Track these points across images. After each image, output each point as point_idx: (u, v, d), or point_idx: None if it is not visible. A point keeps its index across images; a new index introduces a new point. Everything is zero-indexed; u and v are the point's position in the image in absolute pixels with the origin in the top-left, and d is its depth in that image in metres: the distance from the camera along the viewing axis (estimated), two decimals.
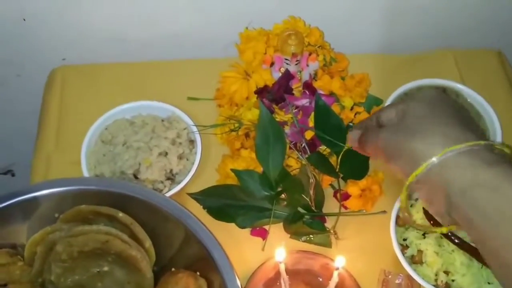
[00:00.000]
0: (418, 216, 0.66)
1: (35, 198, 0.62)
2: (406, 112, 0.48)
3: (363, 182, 0.70)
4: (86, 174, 0.70)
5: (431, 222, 0.65)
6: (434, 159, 0.42)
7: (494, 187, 0.39)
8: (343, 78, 0.75)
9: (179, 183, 0.70)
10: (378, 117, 0.53)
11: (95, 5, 0.82)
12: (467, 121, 0.46)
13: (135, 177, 0.69)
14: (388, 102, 0.75)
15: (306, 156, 0.68)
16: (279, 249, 0.62)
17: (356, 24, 0.87)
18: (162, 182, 0.70)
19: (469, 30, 0.91)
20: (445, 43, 0.89)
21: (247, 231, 0.71)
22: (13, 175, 1.23)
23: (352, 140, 0.56)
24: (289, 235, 0.70)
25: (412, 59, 0.88)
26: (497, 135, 0.73)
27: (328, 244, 0.69)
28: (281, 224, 0.70)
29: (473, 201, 0.40)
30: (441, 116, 0.45)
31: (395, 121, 0.49)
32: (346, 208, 0.71)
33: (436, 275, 0.63)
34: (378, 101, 0.78)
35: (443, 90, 0.78)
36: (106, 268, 0.61)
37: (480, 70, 0.87)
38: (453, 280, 0.62)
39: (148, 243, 0.62)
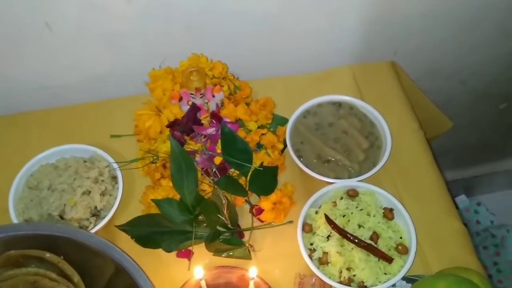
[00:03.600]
0: (321, 222, 0.74)
1: None
2: None
3: (273, 196, 0.77)
4: (15, 220, 0.74)
5: (332, 225, 0.73)
6: None
7: None
8: (248, 104, 0.83)
9: (104, 218, 0.75)
10: None
11: (16, 58, 0.86)
12: None
13: (61, 217, 0.74)
14: (291, 121, 0.83)
15: (216, 180, 0.75)
16: (197, 267, 0.68)
17: (257, 50, 0.94)
18: (87, 219, 0.75)
19: (365, 46, 0.99)
20: (345, 60, 0.98)
21: (173, 254, 0.77)
22: None
23: None
24: (212, 253, 0.76)
25: (314, 78, 0.96)
26: (387, 139, 0.82)
27: (247, 256, 0.76)
28: (204, 244, 0.76)
29: None
30: None
31: None
32: (262, 221, 0.78)
33: (340, 272, 0.71)
34: (283, 121, 0.86)
35: (339, 104, 0.86)
36: None
37: (376, 82, 0.96)
38: (354, 275, 0.70)
39: (76, 277, 0.67)
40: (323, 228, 0.74)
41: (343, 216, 0.74)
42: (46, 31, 0.82)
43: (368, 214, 0.74)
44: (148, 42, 0.89)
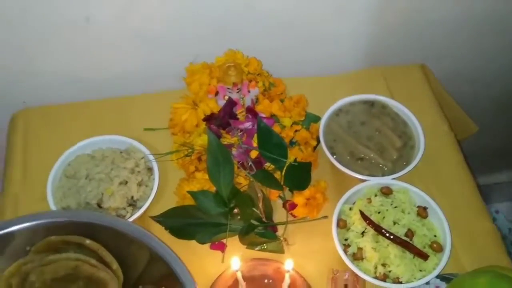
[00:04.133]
0: (356, 218, 0.75)
1: (8, 234, 0.67)
2: None
3: (307, 192, 0.78)
4: (53, 208, 0.75)
5: (367, 221, 0.73)
6: None
7: None
8: (282, 101, 0.84)
9: (140, 208, 0.76)
10: None
11: (51, 52, 0.88)
12: None
13: (99, 206, 0.75)
14: (324, 118, 0.84)
15: (253, 173, 0.76)
16: (234, 258, 0.69)
17: (288, 51, 0.96)
18: (124, 208, 0.76)
19: (395, 49, 1.01)
20: (374, 62, 0.99)
21: (207, 246, 0.78)
22: None
23: None
24: (245, 246, 0.77)
25: (345, 79, 0.97)
26: (420, 139, 0.82)
27: (281, 250, 0.77)
28: (237, 236, 0.77)
29: None
30: None
31: None
32: (294, 216, 0.79)
33: (375, 268, 0.71)
34: (316, 118, 0.87)
35: (372, 104, 0.87)
36: None
37: (406, 83, 0.97)
38: (389, 271, 0.71)
39: (115, 265, 0.68)
40: (357, 224, 0.74)
41: (378, 212, 0.75)
42: (84, 25, 0.83)
43: (403, 212, 0.75)
44: (180, 40, 0.91)
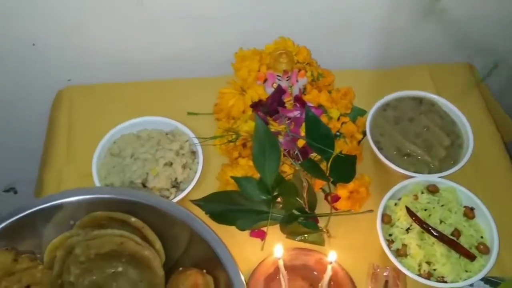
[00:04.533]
0: (401, 214, 0.73)
1: (55, 206, 0.67)
2: None
3: (351, 185, 0.77)
4: (97, 184, 0.75)
5: (413, 218, 0.72)
6: None
7: None
8: (329, 92, 0.83)
9: (183, 190, 0.76)
10: None
11: (99, 30, 0.88)
12: None
13: (144, 185, 0.75)
14: (371, 112, 0.83)
15: (299, 162, 0.75)
16: (278, 246, 0.68)
17: (339, 43, 0.95)
18: (168, 189, 0.76)
19: (442, 47, 0.99)
20: (421, 59, 0.97)
21: (246, 232, 0.77)
22: (15, 192, 1.27)
23: None
24: (285, 235, 0.76)
25: (392, 74, 0.96)
26: (469, 139, 0.81)
27: (321, 242, 0.76)
28: (278, 225, 0.76)
29: None
30: None
31: None
32: (336, 209, 0.78)
33: (419, 265, 0.70)
34: (362, 112, 0.86)
35: (420, 100, 0.86)
36: (120, 269, 0.66)
37: (453, 82, 0.96)
38: (434, 270, 0.69)
39: (158, 244, 0.68)
40: (402, 220, 0.73)
41: (425, 210, 0.73)
42: (136, 6, 0.84)
43: (450, 211, 0.73)
44: (229, 26, 0.90)
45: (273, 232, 0.76)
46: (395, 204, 0.75)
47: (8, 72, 0.94)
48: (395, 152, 0.80)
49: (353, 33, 0.94)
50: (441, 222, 0.72)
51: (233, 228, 0.76)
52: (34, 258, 0.68)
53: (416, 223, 0.71)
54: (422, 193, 0.75)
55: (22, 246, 0.68)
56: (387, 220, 0.74)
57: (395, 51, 0.98)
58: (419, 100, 0.86)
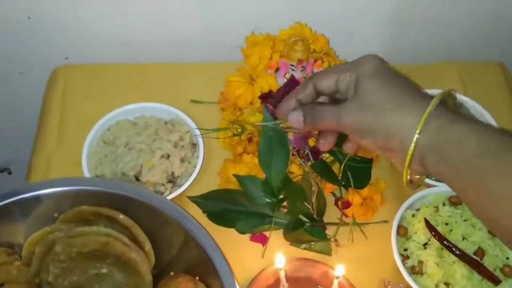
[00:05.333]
0: (419, 227, 0.66)
1: (35, 197, 0.61)
2: (358, 87, 0.47)
3: (364, 191, 0.70)
4: (87, 174, 0.69)
5: (433, 232, 0.65)
6: (417, 135, 0.44)
7: (458, 140, 0.42)
8: None
9: (180, 186, 0.69)
10: (316, 86, 0.51)
11: (101, 5, 0.82)
12: (416, 87, 0.49)
13: (137, 179, 0.69)
14: None
15: (310, 163, 0.68)
16: (279, 255, 0.61)
17: (361, 33, 0.88)
18: (163, 184, 0.69)
19: (473, 43, 0.91)
20: (449, 55, 0.90)
21: (246, 236, 0.71)
22: (9, 173, 1.22)
23: (297, 122, 0.53)
24: (289, 243, 0.70)
25: (416, 70, 0.87)
26: None
27: (328, 252, 0.69)
28: (281, 230, 0.69)
29: (444, 156, 0.43)
30: (396, 87, 0.47)
31: (346, 94, 0.49)
32: (347, 216, 0.71)
33: (436, 286, 0.63)
34: None
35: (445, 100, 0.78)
36: (104, 270, 0.60)
37: (483, 82, 0.88)
38: None
39: (148, 246, 0.61)
40: (420, 234, 0.66)
41: (446, 224, 0.66)
42: None
43: (473, 226, 0.66)
44: (241, 7, 0.83)
45: (276, 237, 0.70)
46: (413, 215, 0.68)
47: (1, 48, 0.88)
48: None
49: (377, 24, 0.87)
50: (463, 238, 0.65)
51: (232, 230, 0.70)
52: (12, 253, 0.62)
53: (435, 238, 0.64)
54: (444, 205, 0.68)
55: (0, 238, 0.62)
56: (403, 232, 0.67)
57: (421, 45, 0.90)
58: (444, 102, 0.78)
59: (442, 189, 0.69)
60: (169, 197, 0.68)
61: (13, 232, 0.63)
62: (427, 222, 0.65)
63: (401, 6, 0.83)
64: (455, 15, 0.87)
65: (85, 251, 0.59)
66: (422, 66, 0.89)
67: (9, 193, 0.61)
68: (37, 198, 0.61)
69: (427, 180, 0.70)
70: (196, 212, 0.70)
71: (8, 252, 0.61)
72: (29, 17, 0.82)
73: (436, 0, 0.83)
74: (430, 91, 0.77)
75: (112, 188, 0.63)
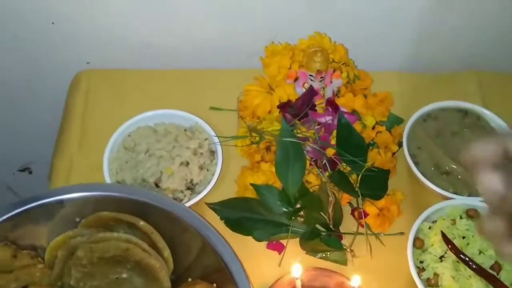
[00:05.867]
0: (436, 239, 0.66)
1: (58, 201, 0.63)
2: None
3: (381, 202, 0.70)
4: (108, 180, 0.70)
5: (449, 246, 0.65)
6: None
7: None
8: (365, 96, 0.76)
9: (198, 193, 0.70)
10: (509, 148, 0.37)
11: (123, 11, 0.83)
12: None
13: (156, 185, 0.70)
14: (410, 122, 0.76)
15: (327, 173, 0.68)
16: (296, 265, 0.62)
17: (381, 41, 0.87)
18: (182, 191, 0.70)
19: (495, 53, 0.90)
20: (470, 65, 0.89)
21: (263, 244, 0.72)
22: (30, 172, 1.25)
23: (493, 234, 0.37)
24: (305, 251, 0.70)
25: (435, 79, 0.88)
26: None
27: (344, 262, 0.69)
28: (297, 239, 0.70)
29: None
30: None
31: None
32: (363, 226, 0.71)
33: None
34: (399, 120, 0.78)
35: (465, 113, 0.78)
36: (124, 275, 0.61)
37: (503, 94, 0.87)
38: None
39: (166, 252, 0.63)
40: (437, 247, 0.66)
41: (463, 237, 0.66)
42: None
43: None
44: (262, 13, 0.83)
45: (292, 245, 0.70)
46: (429, 228, 0.68)
47: (25, 51, 0.90)
48: (433, 169, 0.73)
49: (396, 34, 0.86)
50: (480, 252, 0.65)
51: (248, 237, 0.70)
52: (35, 256, 0.63)
53: (452, 251, 0.64)
54: (461, 218, 0.68)
55: (23, 241, 0.64)
56: (419, 244, 0.67)
57: (440, 54, 0.89)
58: (464, 112, 0.78)
59: (459, 201, 0.69)
60: (187, 204, 0.69)
61: (36, 235, 0.64)
62: (443, 235, 0.65)
63: (421, 17, 0.82)
64: (475, 24, 0.86)
65: (106, 256, 0.60)
66: (441, 76, 0.88)
67: (33, 197, 0.63)
68: (60, 203, 0.63)
69: (444, 192, 0.70)
70: (214, 218, 0.71)
71: (31, 255, 0.63)
72: (53, 23, 0.84)
73: (456, 9, 0.82)
74: (449, 103, 0.79)
75: (133, 194, 0.64)
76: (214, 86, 0.87)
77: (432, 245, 0.66)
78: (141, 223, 0.62)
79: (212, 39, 0.88)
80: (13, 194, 1.30)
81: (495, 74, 0.89)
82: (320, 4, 0.80)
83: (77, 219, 0.64)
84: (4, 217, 0.61)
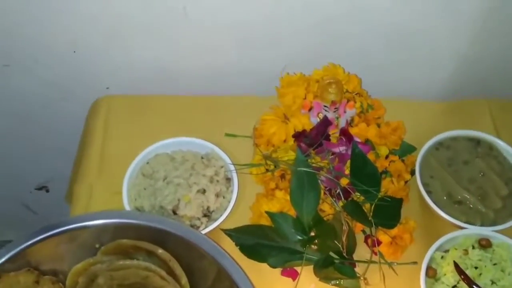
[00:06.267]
0: (448, 269, 0.67)
1: (79, 228, 0.65)
2: None
3: (394, 230, 0.71)
4: (127, 206, 0.72)
5: (462, 276, 0.66)
6: None
7: None
8: (378, 125, 0.77)
9: (215, 220, 0.72)
10: None
11: (142, 38, 0.85)
12: None
13: (174, 212, 0.71)
14: (422, 151, 0.77)
15: (341, 202, 0.69)
16: None
17: (393, 69, 0.88)
18: (199, 218, 0.72)
19: (507, 81, 0.91)
20: (482, 93, 0.90)
21: (277, 270, 0.73)
22: (47, 191, 1.27)
23: None
24: (318, 278, 0.71)
25: (447, 107, 0.89)
26: None
27: None
28: (311, 265, 0.71)
29: None
30: None
31: None
32: (376, 254, 0.72)
33: None
34: (411, 148, 0.79)
35: (477, 142, 0.79)
36: None
37: None
38: None
39: (184, 279, 0.64)
40: (449, 276, 0.67)
41: (475, 268, 0.67)
42: (181, 16, 0.80)
43: (503, 271, 0.67)
44: (276, 43, 0.85)
45: (306, 272, 0.71)
46: (442, 257, 0.69)
47: (47, 76, 0.93)
48: (445, 198, 0.74)
49: (408, 60, 0.88)
50: (492, 283, 0.66)
51: (263, 263, 0.72)
52: (56, 281, 0.65)
53: (464, 282, 0.65)
54: (473, 248, 0.69)
55: (45, 265, 0.66)
56: (431, 274, 0.68)
57: (453, 81, 0.91)
58: (476, 141, 0.79)
59: (471, 231, 0.70)
60: (204, 231, 0.71)
61: (57, 260, 0.66)
62: (456, 265, 0.66)
63: (433, 46, 0.84)
64: (486, 52, 0.87)
65: (125, 284, 0.62)
66: (451, 103, 0.89)
67: (56, 224, 0.65)
68: (82, 229, 0.65)
69: (457, 222, 0.71)
70: (229, 244, 0.72)
71: (53, 280, 0.65)
72: (74, 51, 0.86)
73: (468, 38, 0.84)
74: (461, 132, 0.80)
75: (151, 222, 0.66)
76: (229, 113, 0.89)
77: (445, 274, 0.67)
78: (160, 251, 0.64)
79: (228, 67, 0.90)
80: (32, 213, 1.33)
81: (507, 102, 0.90)
82: (332, 35, 0.82)
83: (97, 245, 0.66)
84: (29, 242, 0.63)
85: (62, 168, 1.12)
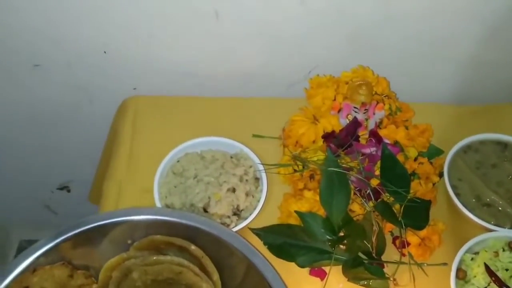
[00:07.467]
0: (478, 271, 0.67)
1: (112, 224, 0.66)
2: None
3: (423, 232, 0.72)
4: (158, 203, 0.73)
5: (493, 278, 0.66)
6: None
7: None
8: (406, 128, 0.78)
9: (244, 219, 0.72)
10: None
11: (171, 40, 0.86)
12: None
13: (205, 210, 0.72)
14: (450, 154, 0.77)
15: (371, 203, 0.70)
16: None
17: (422, 73, 0.89)
18: (229, 217, 0.73)
19: None
20: (508, 98, 0.90)
21: (305, 270, 0.73)
22: (68, 191, 1.29)
23: None
24: (347, 278, 0.72)
25: (475, 111, 0.89)
26: None
27: None
28: (339, 266, 0.71)
29: None
30: None
31: None
32: (404, 255, 0.72)
33: None
34: (439, 151, 0.80)
35: (505, 145, 0.79)
36: None
37: None
38: None
39: (216, 276, 0.65)
40: (480, 278, 0.67)
41: (506, 270, 0.67)
42: (213, 19, 0.81)
43: None
44: (304, 45, 0.86)
45: (335, 272, 0.72)
46: (472, 259, 0.69)
47: (75, 76, 0.94)
48: (474, 200, 0.74)
49: (438, 63, 0.88)
50: None
51: (291, 263, 0.72)
52: (89, 275, 0.66)
53: (495, 284, 0.65)
54: (504, 250, 0.69)
55: (77, 260, 0.67)
56: (461, 275, 0.68)
57: (479, 86, 0.91)
58: (504, 145, 0.79)
59: (501, 234, 0.70)
60: (234, 229, 0.71)
61: (89, 255, 0.67)
62: (487, 267, 0.66)
63: (461, 51, 0.84)
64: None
65: (159, 279, 0.63)
66: (481, 107, 0.90)
67: (89, 219, 0.66)
68: (114, 225, 0.66)
69: (486, 224, 0.71)
70: (257, 243, 0.73)
71: (86, 275, 0.66)
72: (105, 52, 0.88)
73: (495, 42, 0.84)
74: (489, 135, 0.80)
75: (183, 218, 0.66)
76: (256, 114, 0.90)
77: (475, 276, 0.67)
78: (193, 247, 0.65)
79: (255, 70, 0.91)
80: (52, 213, 1.34)
81: None
82: (359, 39, 0.83)
83: (129, 241, 0.67)
84: (64, 236, 0.64)
85: (82, 169, 1.13)
